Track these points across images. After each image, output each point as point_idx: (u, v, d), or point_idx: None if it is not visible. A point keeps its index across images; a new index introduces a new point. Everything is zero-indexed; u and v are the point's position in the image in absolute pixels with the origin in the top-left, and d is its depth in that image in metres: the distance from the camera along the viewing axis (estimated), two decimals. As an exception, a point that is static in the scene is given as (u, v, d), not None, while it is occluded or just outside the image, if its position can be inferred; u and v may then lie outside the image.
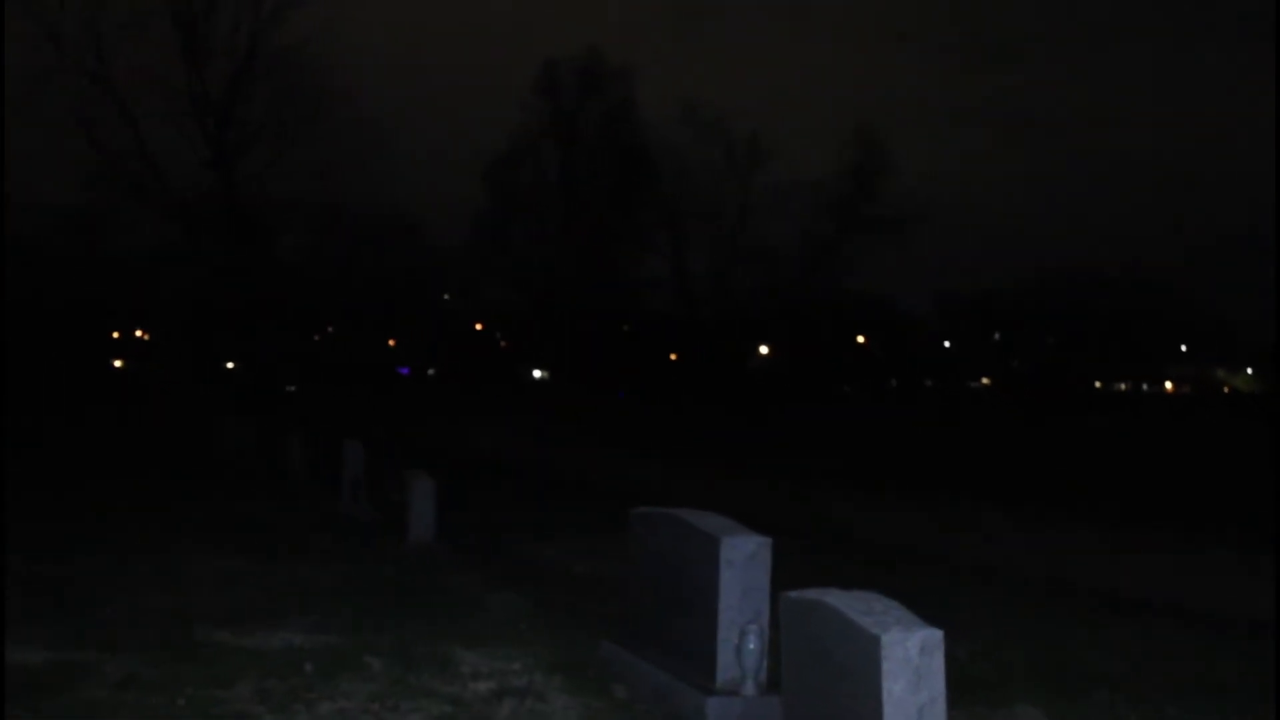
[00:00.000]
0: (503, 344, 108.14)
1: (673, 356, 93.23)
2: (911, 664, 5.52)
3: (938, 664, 5.58)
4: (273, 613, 10.66)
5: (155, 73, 59.01)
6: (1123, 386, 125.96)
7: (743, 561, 7.52)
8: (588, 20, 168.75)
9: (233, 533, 15.64)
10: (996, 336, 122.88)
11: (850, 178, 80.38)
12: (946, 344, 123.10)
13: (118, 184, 60.79)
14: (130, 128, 59.07)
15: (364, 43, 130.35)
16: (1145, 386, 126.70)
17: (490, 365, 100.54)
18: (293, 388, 73.44)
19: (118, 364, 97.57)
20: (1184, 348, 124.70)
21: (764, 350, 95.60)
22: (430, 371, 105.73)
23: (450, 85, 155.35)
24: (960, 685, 7.21)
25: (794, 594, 6.36)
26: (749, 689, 7.26)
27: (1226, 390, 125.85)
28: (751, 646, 7.19)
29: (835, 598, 6.03)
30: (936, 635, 5.60)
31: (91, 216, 76.46)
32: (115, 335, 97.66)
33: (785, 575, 7.73)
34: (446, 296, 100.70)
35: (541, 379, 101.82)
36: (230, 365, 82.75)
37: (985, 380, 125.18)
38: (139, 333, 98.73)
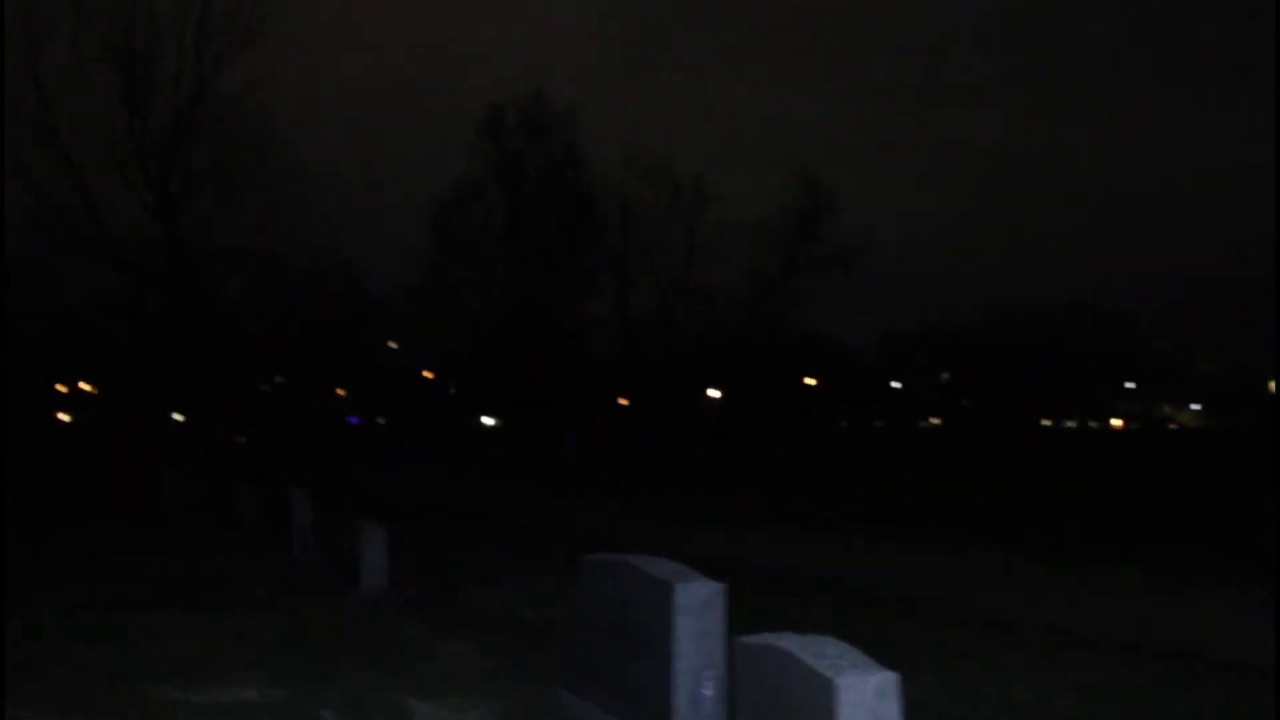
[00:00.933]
0: (451, 391, 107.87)
1: (621, 400, 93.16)
2: (868, 707, 5.50)
3: (894, 707, 5.57)
4: (224, 666, 10.56)
5: (97, 120, 58.64)
6: (1071, 424, 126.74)
7: (697, 607, 7.49)
8: (531, 65, 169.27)
9: (181, 586, 15.49)
10: (945, 376, 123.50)
11: (793, 217, 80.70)
12: (895, 384, 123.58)
13: (59, 233, 60.24)
14: (72, 176, 58.64)
15: (308, 89, 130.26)
16: (1093, 424, 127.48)
17: (440, 412, 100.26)
18: (242, 439, 73.01)
19: (64, 417, 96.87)
20: (1130, 384, 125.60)
21: (713, 392, 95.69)
22: (380, 420, 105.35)
23: (394, 131, 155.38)
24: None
25: (749, 639, 6.34)
26: (705, 735, 7.23)
27: (1172, 426, 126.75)
28: (707, 693, 7.16)
29: (790, 642, 6.01)
30: (892, 678, 5.59)
31: (33, 267, 75.91)
32: (61, 389, 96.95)
33: (737, 619, 7.71)
34: (393, 345, 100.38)
35: (492, 425, 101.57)
36: (177, 417, 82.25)
37: (935, 420, 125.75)
38: (84, 385, 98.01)
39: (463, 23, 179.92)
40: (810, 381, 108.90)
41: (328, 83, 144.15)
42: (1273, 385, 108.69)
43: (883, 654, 5.97)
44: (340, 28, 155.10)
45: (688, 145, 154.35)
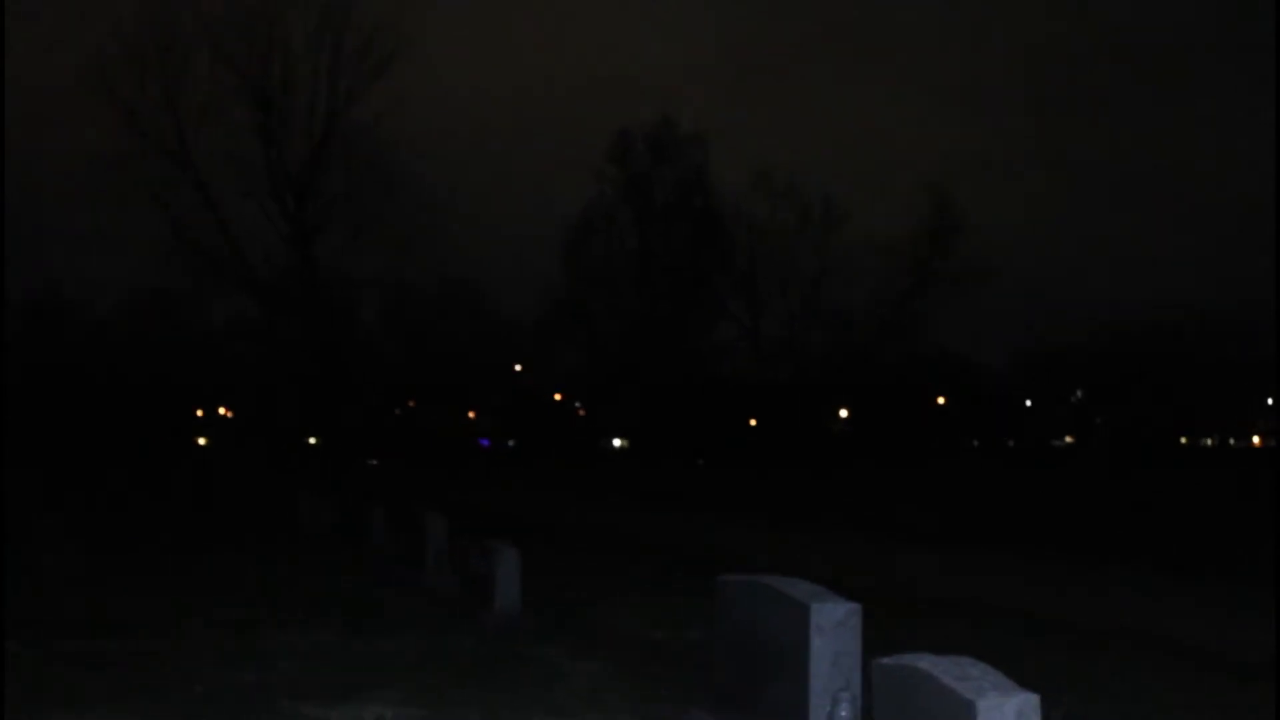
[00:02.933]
0: (581, 413, 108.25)
1: (751, 421, 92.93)
2: (1009, 729, 5.42)
3: (1035, 728, 5.48)
4: (359, 686, 10.65)
5: (234, 152, 59.81)
6: (1209, 441, 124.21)
7: (833, 628, 7.43)
8: (658, 90, 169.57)
9: (318, 606, 15.66)
10: (1078, 394, 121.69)
11: (923, 236, 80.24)
12: (1028, 402, 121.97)
13: (197, 263, 61.46)
14: (209, 207, 59.83)
15: (437, 116, 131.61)
16: (1232, 441, 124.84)
17: (569, 435, 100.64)
18: (374, 461, 73.82)
19: (201, 441, 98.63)
20: (1270, 400, 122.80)
21: (843, 413, 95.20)
22: (510, 443, 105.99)
23: (523, 157, 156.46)
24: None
25: (886, 660, 6.28)
26: (842, 756, 7.16)
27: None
28: (844, 714, 7.09)
29: (928, 663, 5.94)
30: (1033, 699, 5.50)
31: (171, 296, 77.50)
32: (199, 413, 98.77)
33: (870, 638, 7.64)
34: (518, 368, 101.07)
35: (621, 447, 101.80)
36: (311, 440, 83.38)
37: (1068, 438, 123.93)
38: (222, 410, 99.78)
39: (590, 49, 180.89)
40: (941, 401, 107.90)
41: (457, 110, 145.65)
42: None
43: (1019, 674, 5.88)
44: (469, 56, 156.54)
45: (816, 167, 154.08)
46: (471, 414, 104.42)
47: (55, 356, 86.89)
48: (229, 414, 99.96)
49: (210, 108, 58.99)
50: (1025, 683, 5.65)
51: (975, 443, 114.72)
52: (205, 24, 58.75)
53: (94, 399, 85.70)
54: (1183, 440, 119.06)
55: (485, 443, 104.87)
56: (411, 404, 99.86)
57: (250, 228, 61.40)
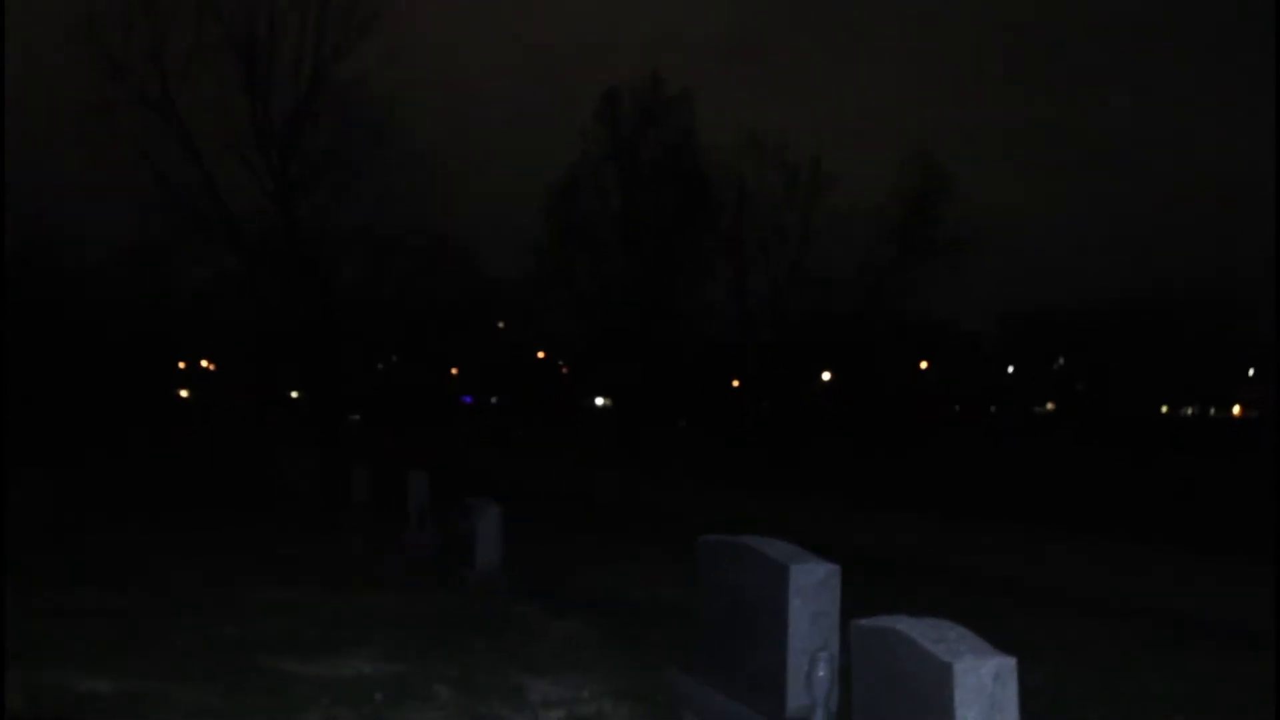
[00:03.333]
0: (564, 371, 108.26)
1: (734, 383, 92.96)
2: (985, 691, 5.46)
3: (1011, 691, 5.52)
4: (340, 642, 10.69)
5: (218, 105, 59.48)
6: (1189, 411, 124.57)
7: (812, 588, 7.46)
8: (648, 49, 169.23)
9: (298, 563, 15.70)
10: (1061, 361, 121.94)
11: (910, 202, 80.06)
12: (1010, 368, 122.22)
13: (180, 216, 61.13)
14: (193, 160, 59.47)
15: (425, 72, 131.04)
16: (1212, 411, 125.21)
17: (552, 394, 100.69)
18: (356, 417, 73.84)
19: (183, 394, 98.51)
20: (1251, 371, 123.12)
21: (825, 376, 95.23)
22: (493, 400, 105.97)
23: (510, 115, 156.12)
24: (1034, 712, 7.13)
25: (864, 621, 6.31)
26: (819, 717, 7.20)
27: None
28: (821, 674, 7.12)
29: (906, 625, 5.97)
30: (1009, 662, 5.54)
31: (154, 249, 77.19)
32: (181, 365, 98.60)
33: (848, 601, 7.68)
34: (501, 325, 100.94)
35: (603, 406, 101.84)
36: (294, 395, 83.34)
37: (1049, 405, 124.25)
38: (204, 363, 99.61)
39: (578, 8, 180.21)
40: (923, 365, 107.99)
41: (445, 67, 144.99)
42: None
43: (998, 638, 5.91)
44: (457, 12, 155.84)
45: (804, 130, 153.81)
46: (454, 370, 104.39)
47: (39, 307, 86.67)
48: (212, 367, 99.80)
49: (196, 60, 58.54)
50: (1004, 646, 5.69)
51: (957, 408, 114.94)
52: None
53: (76, 350, 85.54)
54: (1163, 409, 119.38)
55: (468, 400, 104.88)
56: (395, 360, 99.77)
57: (235, 182, 61.01)
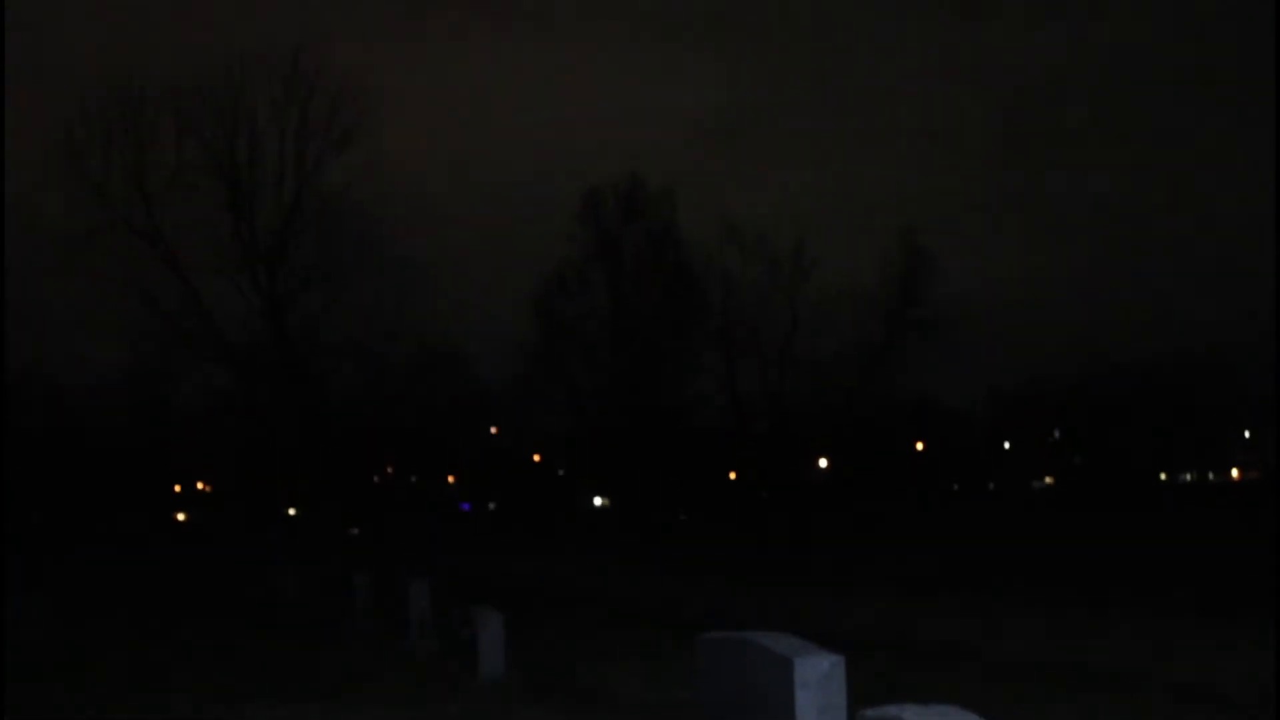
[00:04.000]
0: (560, 473, 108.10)
1: (731, 475, 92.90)
2: (996, 777, 5.44)
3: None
4: (347, 759, 10.61)
5: (203, 225, 59.79)
6: (1189, 476, 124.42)
7: (818, 681, 7.43)
8: (625, 145, 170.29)
9: (301, 677, 15.60)
10: (1056, 434, 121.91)
11: (895, 282, 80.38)
12: (1006, 444, 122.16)
13: (170, 338, 61.27)
14: (180, 281, 59.71)
15: (405, 180, 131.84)
16: (1211, 475, 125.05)
17: (550, 496, 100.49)
18: (355, 529, 73.58)
19: (180, 517, 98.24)
20: (1247, 433, 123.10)
21: (823, 463, 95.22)
22: (491, 505, 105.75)
23: (492, 219, 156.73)
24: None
25: (871, 712, 6.28)
26: (832, 811, 7.15)
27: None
28: (831, 767, 7.09)
29: (913, 714, 5.95)
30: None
31: (146, 372, 77.24)
32: (177, 489, 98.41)
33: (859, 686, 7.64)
34: (494, 430, 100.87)
35: (602, 505, 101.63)
36: (291, 511, 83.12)
37: (1048, 479, 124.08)
38: (200, 485, 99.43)
39: (553, 107, 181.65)
40: (919, 446, 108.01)
41: (427, 175, 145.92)
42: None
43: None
44: (436, 119, 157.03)
45: (789, 212, 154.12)
46: (451, 478, 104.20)
47: (32, 435, 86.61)
48: (208, 488, 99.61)
49: (178, 182, 58.97)
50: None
51: (955, 486, 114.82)
52: (170, 97, 58.77)
53: (72, 475, 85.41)
54: (1162, 476, 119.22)
55: (466, 507, 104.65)
56: (390, 470, 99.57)
57: (222, 299, 61.22)
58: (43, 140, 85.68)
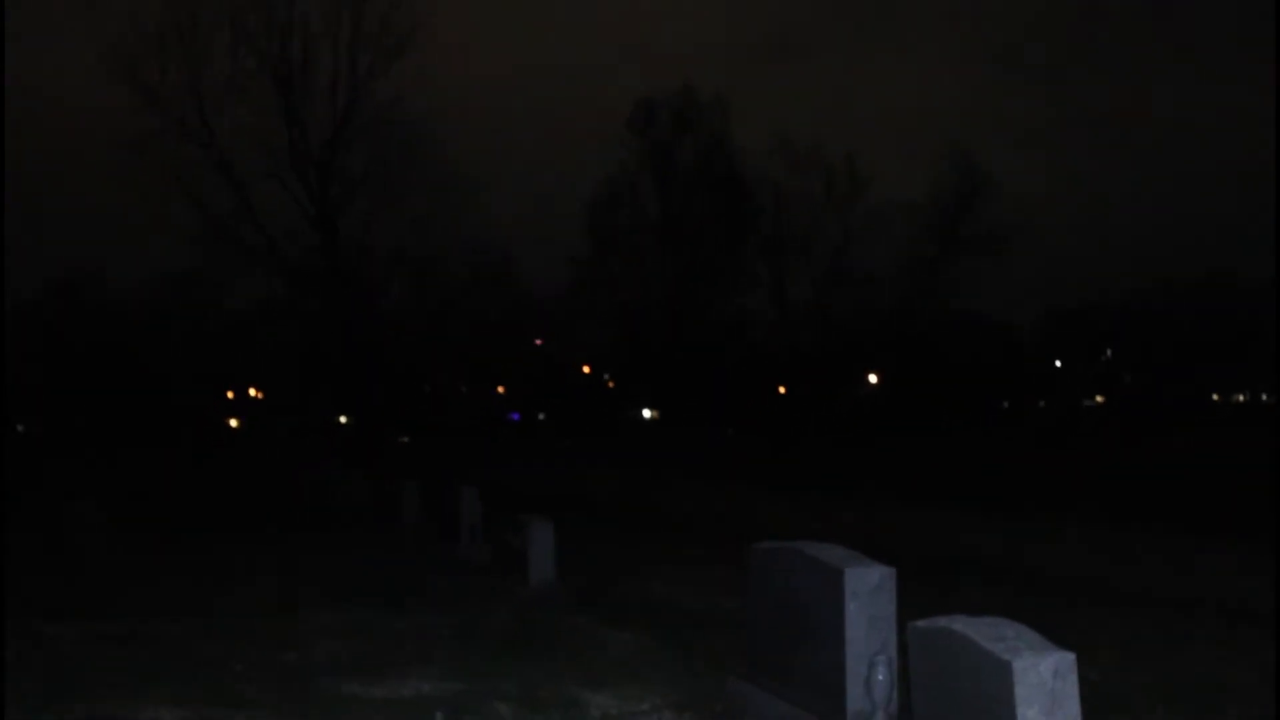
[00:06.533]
0: (609, 384, 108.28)
1: (780, 390, 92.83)
2: (1045, 688, 5.45)
3: (1071, 687, 5.52)
4: (399, 661, 10.73)
5: (256, 132, 59.89)
6: (1240, 398, 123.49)
7: (868, 592, 7.46)
8: (678, 55, 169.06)
9: (354, 584, 15.75)
10: (1108, 353, 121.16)
11: (948, 198, 79.93)
12: (1057, 363, 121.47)
13: (223, 244, 61.56)
14: (233, 186, 59.89)
15: (458, 89, 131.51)
16: (1265, 397, 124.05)
17: (598, 407, 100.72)
18: (405, 438, 74.04)
19: (233, 423, 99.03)
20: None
21: (872, 378, 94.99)
22: (540, 416, 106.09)
23: (544, 128, 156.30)
24: (1094, 707, 7.11)
25: (921, 623, 6.30)
26: (880, 720, 7.20)
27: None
28: (880, 678, 7.12)
29: (963, 624, 5.97)
30: (1069, 658, 5.53)
31: (198, 278, 77.73)
32: (230, 395, 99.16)
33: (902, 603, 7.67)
34: (538, 342, 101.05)
35: (651, 418, 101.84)
36: (342, 419, 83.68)
37: (1099, 398, 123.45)
38: (252, 391, 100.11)
39: (609, 21, 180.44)
40: (968, 362, 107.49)
41: (479, 85, 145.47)
42: None
43: (1055, 634, 5.90)
44: (488, 28, 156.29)
45: (839, 127, 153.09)
46: (500, 389, 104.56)
47: (86, 339, 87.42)
48: (260, 395, 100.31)
49: (232, 88, 59.08)
50: (1061, 641, 5.69)
51: (1005, 404, 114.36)
52: (225, 5, 58.82)
53: (126, 382, 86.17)
54: (1215, 397, 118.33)
55: (515, 417, 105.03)
56: (440, 380, 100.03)
57: (275, 208, 61.44)
58: (98, 46, 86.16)
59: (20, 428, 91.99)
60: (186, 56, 58.39)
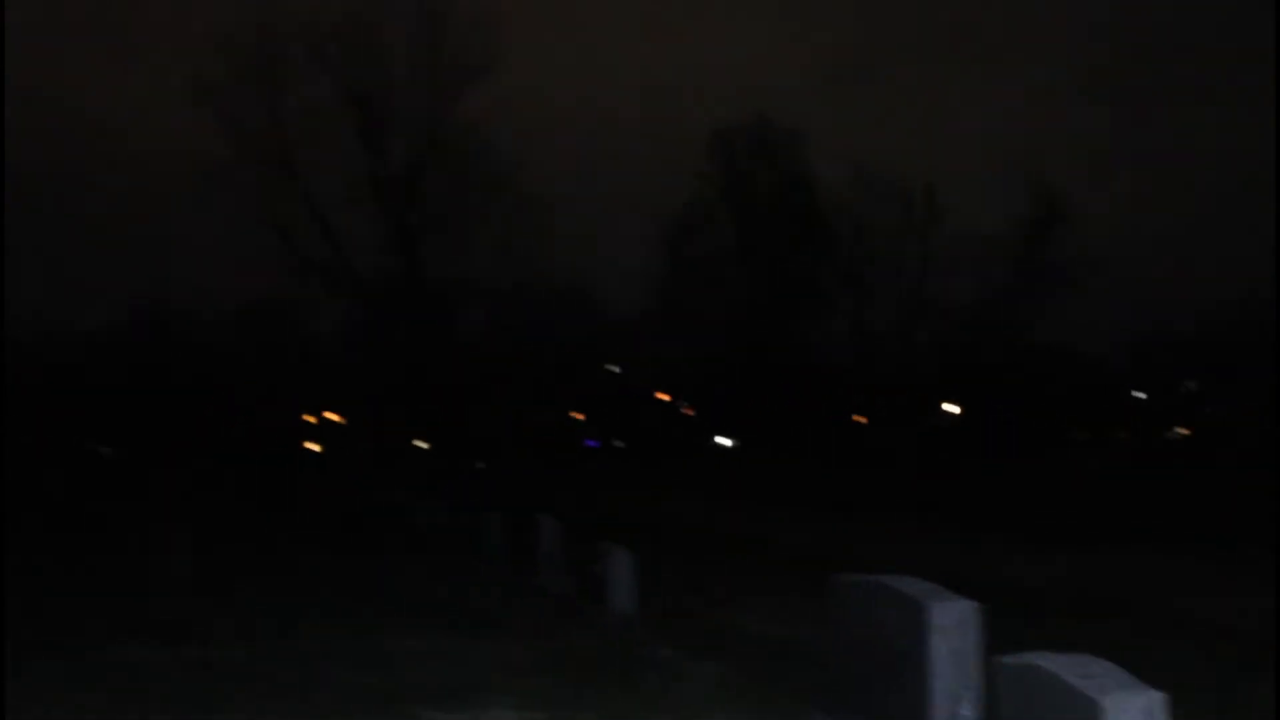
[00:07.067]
0: (686, 411, 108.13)
1: (858, 418, 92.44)
2: (1136, 728, 5.42)
3: (1163, 727, 5.48)
4: (481, 689, 10.77)
5: (337, 160, 60.59)
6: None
7: (952, 627, 7.44)
8: (756, 85, 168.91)
9: (436, 610, 15.83)
10: (1191, 384, 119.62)
11: (1026, 227, 79.53)
12: (1138, 394, 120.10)
13: (305, 270, 62.22)
14: (315, 214, 60.58)
15: (536, 116, 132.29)
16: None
17: (675, 434, 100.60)
18: (482, 465, 74.28)
19: (314, 447, 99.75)
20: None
21: (950, 408, 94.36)
22: (617, 443, 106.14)
23: (621, 156, 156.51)
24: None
25: (1007, 658, 6.28)
26: (964, 756, 7.17)
27: None
28: (966, 714, 7.09)
29: (1050, 661, 5.94)
30: (1160, 697, 5.49)
31: (279, 305, 78.60)
32: (310, 419, 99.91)
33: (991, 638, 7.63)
34: (615, 369, 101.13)
35: (727, 445, 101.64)
36: (420, 444, 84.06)
37: (1181, 430, 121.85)
38: (331, 416, 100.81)
39: (685, 47, 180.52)
40: (1047, 393, 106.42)
41: (555, 108, 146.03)
42: None
43: (1148, 673, 5.86)
44: (566, 56, 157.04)
45: (917, 156, 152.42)
46: (578, 415, 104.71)
47: (169, 365, 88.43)
48: (339, 420, 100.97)
49: (313, 117, 59.82)
50: (1154, 680, 5.65)
51: (1085, 436, 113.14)
52: (306, 35, 59.58)
53: (208, 407, 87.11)
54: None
55: (592, 443, 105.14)
56: (517, 405, 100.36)
57: (355, 233, 62.10)
58: (182, 78, 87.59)
59: (105, 451, 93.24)
60: (269, 87, 59.21)
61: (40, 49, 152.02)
